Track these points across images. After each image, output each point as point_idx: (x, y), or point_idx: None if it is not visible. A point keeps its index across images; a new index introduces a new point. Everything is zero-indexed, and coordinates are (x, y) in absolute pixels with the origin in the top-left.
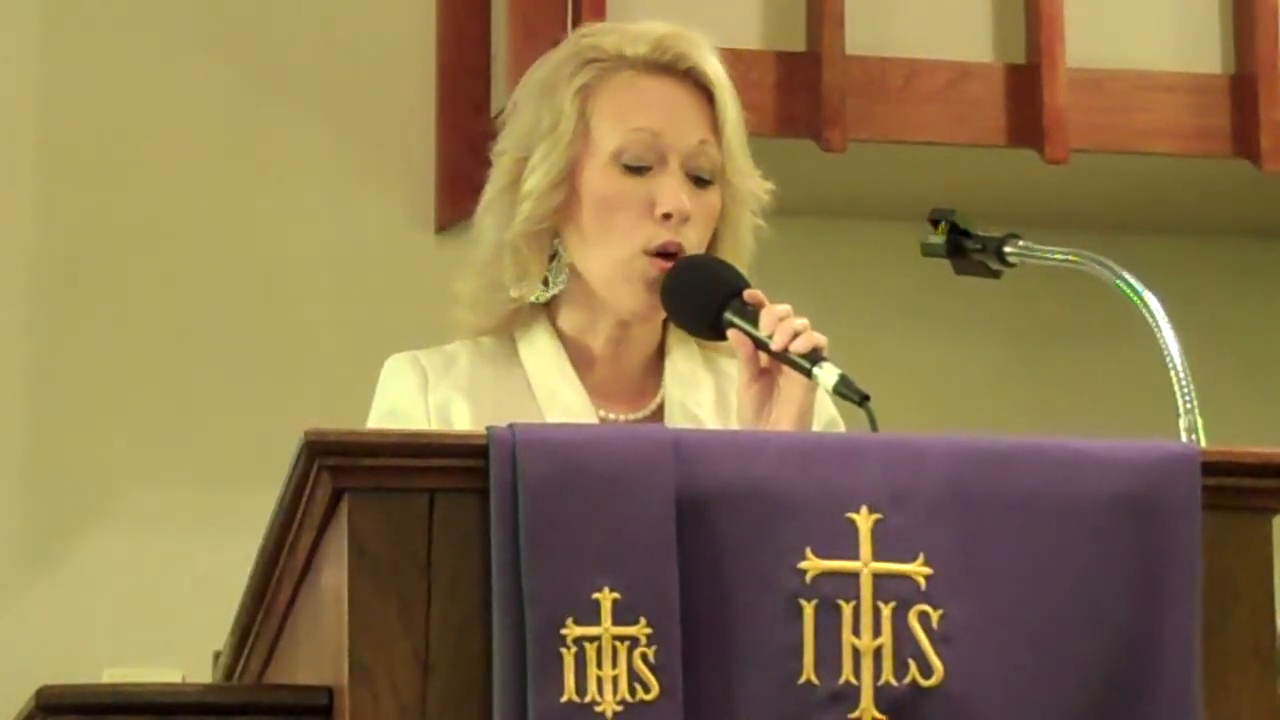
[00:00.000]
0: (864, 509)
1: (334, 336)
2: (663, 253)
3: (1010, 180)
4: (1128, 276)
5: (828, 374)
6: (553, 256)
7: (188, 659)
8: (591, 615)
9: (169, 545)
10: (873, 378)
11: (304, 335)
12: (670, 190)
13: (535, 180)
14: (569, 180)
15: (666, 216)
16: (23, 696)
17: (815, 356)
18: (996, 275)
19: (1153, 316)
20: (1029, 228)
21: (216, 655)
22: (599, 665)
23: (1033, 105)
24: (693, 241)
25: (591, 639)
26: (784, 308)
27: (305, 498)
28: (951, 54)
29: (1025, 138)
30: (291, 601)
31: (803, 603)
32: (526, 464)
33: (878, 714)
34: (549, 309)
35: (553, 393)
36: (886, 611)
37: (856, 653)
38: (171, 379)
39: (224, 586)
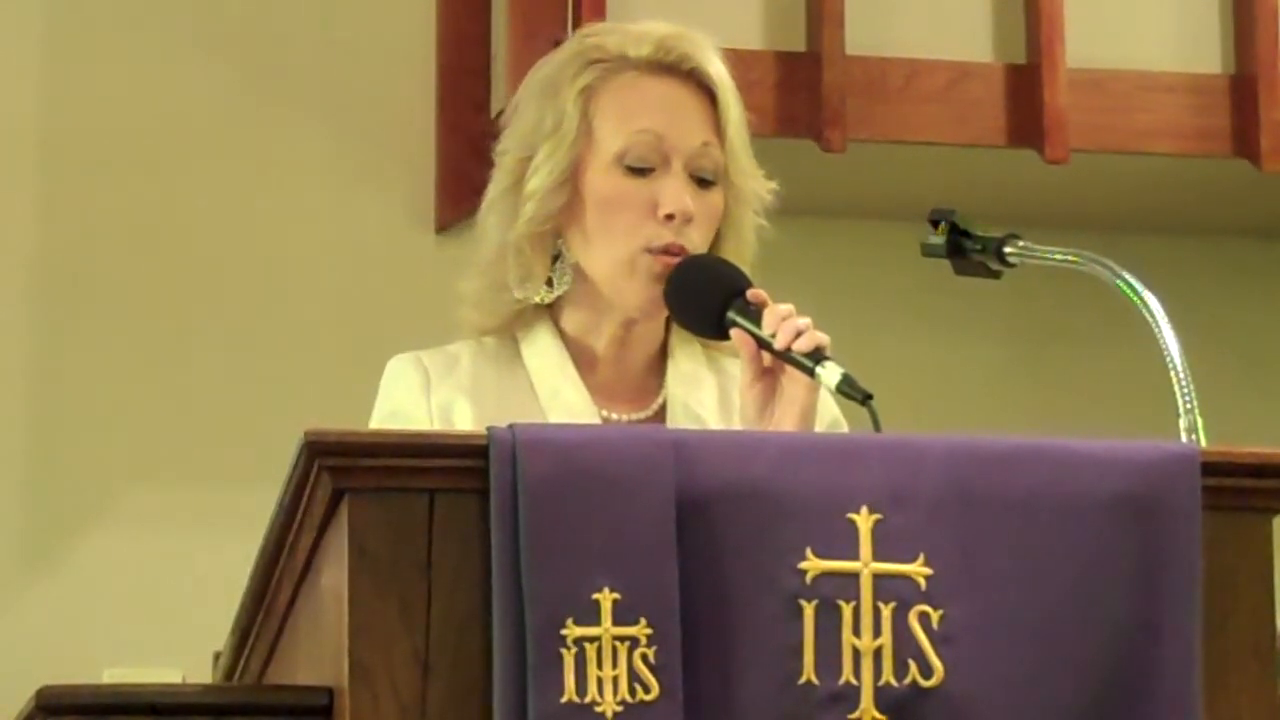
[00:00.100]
0: (864, 509)
1: (334, 336)
2: (665, 251)
3: (1010, 180)
4: (1128, 277)
5: (830, 373)
6: (556, 257)
7: (188, 659)
8: (592, 615)
9: (169, 545)
10: (872, 378)
11: (304, 335)
12: (673, 192)
13: (538, 181)
14: (572, 181)
15: (669, 218)
16: (23, 696)
17: (818, 356)
18: (996, 275)
19: (1153, 317)
20: (1029, 228)
21: (216, 656)
22: (599, 665)
23: (1033, 105)
24: (695, 243)
25: (591, 639)
26: (787, 307)
27: (305, 498)
28: (951, 54)
29: (1025, 138)
30: (292, 602)
31: (803, 603)
32: (527, 464)
33: (878, 714)
34: (552, 309)
35: (555, 393)
36: (887, 612)
37: (857, 653)
38: (171, 379)
39: (224, 587)
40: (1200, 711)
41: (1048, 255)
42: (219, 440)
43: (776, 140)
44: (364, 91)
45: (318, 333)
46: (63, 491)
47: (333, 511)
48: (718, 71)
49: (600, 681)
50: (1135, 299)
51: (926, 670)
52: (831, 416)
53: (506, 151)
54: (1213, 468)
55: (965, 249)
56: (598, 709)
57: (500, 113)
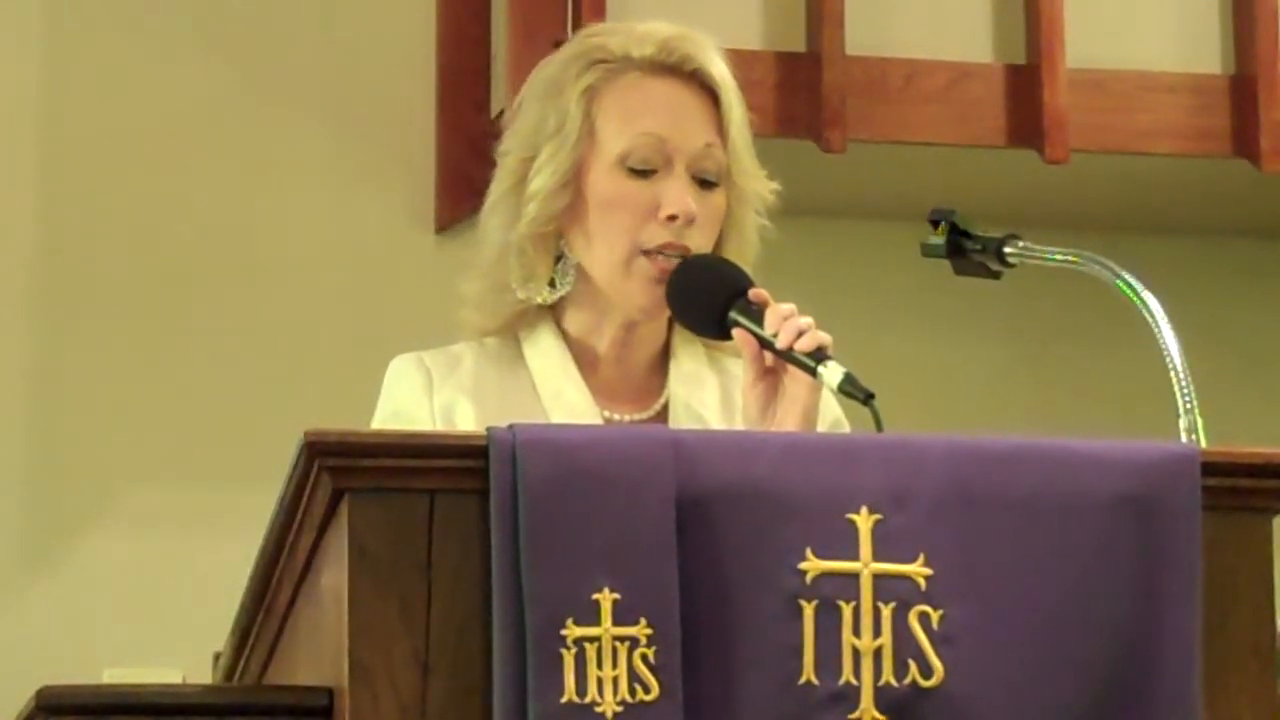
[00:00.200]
0: (864, 509)
1: (334, 336)
2: (662, 251)
3: (1010, 181)
4: (1128, 277)
5: (833, 372)
6: (558, 258)
7: (188, 659)
8: (592, 616)
9: (169, 545)
10: (873, 378)
11: (304, 335)
12: (676, 193)
13: (541, 181)
14: (575, 182)
15: (672, 219)
16: (23, 696)
17: (820, 355)
18: (996, 276)
19: (1153, 317)
20: (1029, 228)
21: (217, 656)
22: (599, 666)
23: (1033, 105)
24: (698, 244)
25: (592, 639)
26: (789, 307)
27: (305, 498)
28: (951, 54)
29: (1025, 138)
30: (292, 602)
31: (803, 603)
32: (527, 464)
33: (878, 714)
34: (554, 310)
35: (557, 394)
36: (887, 612)
37: (857, 653)
38: (171, 379)
39: (224, 587)
40: (1200, 711)
41: (1048, 255)
42: (219, 440)
43: (776, 140)
44: (364, 91)
45: (318, 333)
46: (63, 491)
47: (333, 512)
48: (720, 72)
49: (600, 681)
50: (1135, 299)
51: (926, 670)
52: (834, 416)
53: (509, 152)
54: (1213, 468)
55: (965, 249)
56: (598, 709)
57: (501, 113)
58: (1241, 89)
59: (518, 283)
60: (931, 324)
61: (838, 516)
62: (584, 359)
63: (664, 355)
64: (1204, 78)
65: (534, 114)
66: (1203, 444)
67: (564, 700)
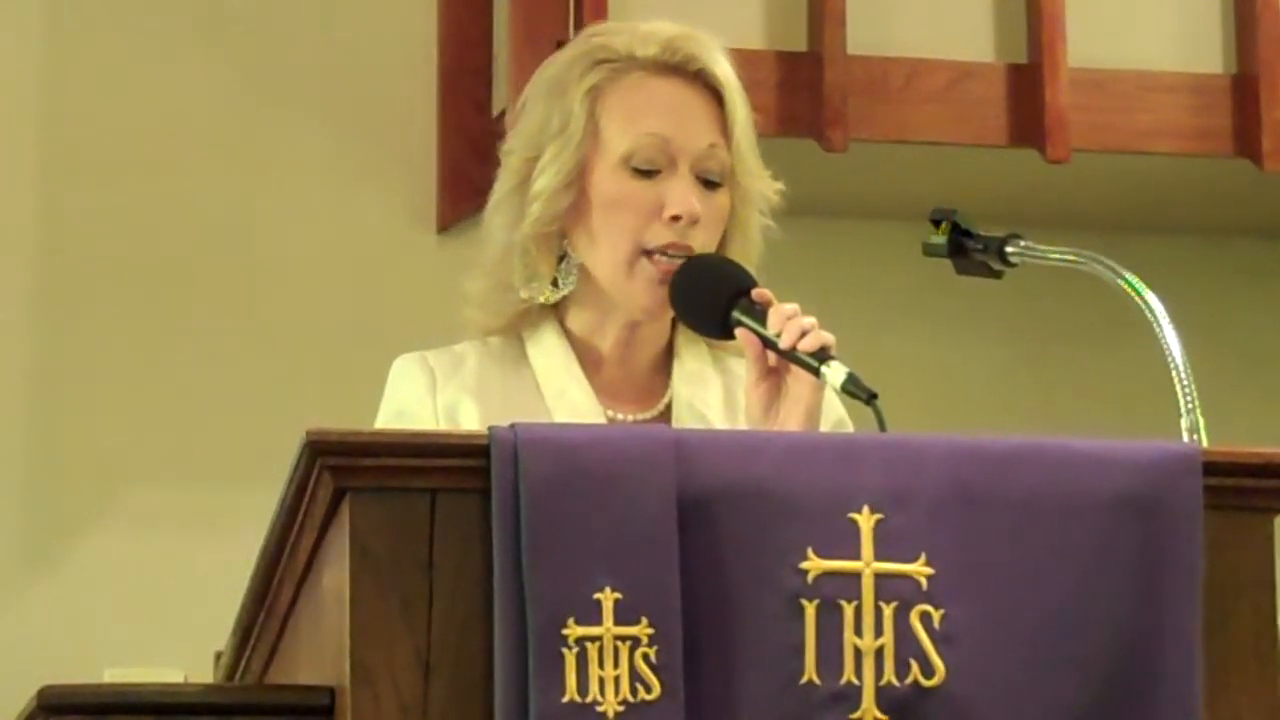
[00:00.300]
0: (865, 509)
1: (334, 336)
2: (665, 251)
3: (1011, 180)
4: (1129, 276)
5: (836, 372)
6: (562, 257)
7: (189, 659)
8: (593, 615)
9: (169, 545)
10: (874, 377)
11: (304, 335)
12: (680, 193)
13: (545, 181)
14: (578, 181)
15: (676, 219)
16: (23, 696)
17: (823, 355)
18: (998, 275)
19: (1154, 316)
20: (1030, 228)
21: (218, 655)
22: (600, 665)
23: (1034, 105)
24: (702, 244)
25: (593, 639)
26: (792, 306)
27: (307, 498)
28: (953, 54)
29: (1026, 138)
30: (293, 602)
31: (804, 603)
32: (528, 464)
33: (879, 714)
34: (557, 309)
35: (561, 393)
36: (888, 611)
37: (858, 653)
38: (171, 379)
39: (224, 586)
40: (1201, 711)
41: (1049, 255)
42: (219, 440)
43: (778, 140)
44: (365, 91)
45: (319, 332)
46: (63, 491)
47: (334, 511)
48: (724, 72)
49: (602, 681)
50: (1137, 299)
51: (928, 670)
52: (837, 416)
53: (513, 151)
54: (1214, 467)
55: (967, 248)
56: (599, 709)
57: (502, 113)
58: (1243, 88)
59: (521, 282)
60: (932, 324)
61: (839, 516)
62: (587, 358)
63: (667, 355)
64: (1205, 77)
65: (538, 114)
66: (1204, 444)
67: (565, 700)
